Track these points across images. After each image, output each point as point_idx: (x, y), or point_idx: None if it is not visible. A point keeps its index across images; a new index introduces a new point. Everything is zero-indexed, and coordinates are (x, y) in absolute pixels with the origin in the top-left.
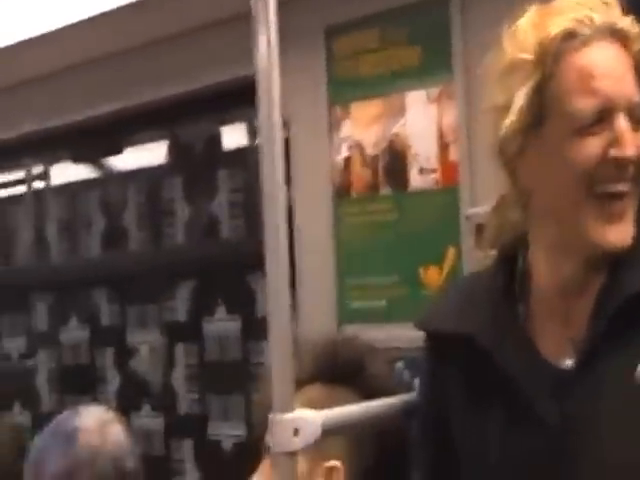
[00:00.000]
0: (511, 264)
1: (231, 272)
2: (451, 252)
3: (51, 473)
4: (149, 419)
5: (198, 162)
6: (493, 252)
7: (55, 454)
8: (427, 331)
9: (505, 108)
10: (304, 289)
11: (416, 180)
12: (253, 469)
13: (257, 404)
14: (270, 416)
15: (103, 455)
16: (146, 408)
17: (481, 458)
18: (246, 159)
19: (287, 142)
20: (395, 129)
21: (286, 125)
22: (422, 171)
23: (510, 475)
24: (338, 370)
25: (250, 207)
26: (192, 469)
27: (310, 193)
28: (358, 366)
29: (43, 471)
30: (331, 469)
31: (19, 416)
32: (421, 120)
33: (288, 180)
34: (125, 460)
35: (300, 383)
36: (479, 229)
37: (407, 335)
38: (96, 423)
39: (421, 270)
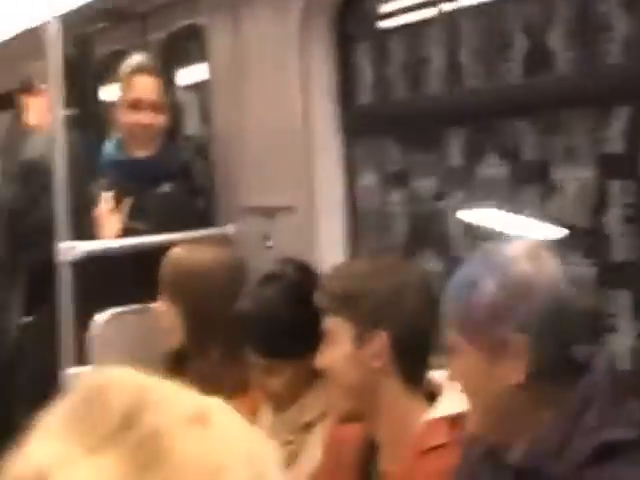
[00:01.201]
0: None
1: None
2: None
3: (484, 304)
4: (578, 267)
5: None
6: None
7: (487, 284)
8: None
9: None
10: None
11: None
12: None
13: None
14: None
15: (538, 286)
16: (575, 254)
17: None
18: None
19: None
20: None
21: None
22: None
23: None
24: None
25: None
26: (627, 325)
27: None
28: None
29: (472, 302)
30: None
31: (430, 262)
32: None
33: None
34: (560, 292)
35: None
36: None
37: None
38: (529, 252)
39: None
